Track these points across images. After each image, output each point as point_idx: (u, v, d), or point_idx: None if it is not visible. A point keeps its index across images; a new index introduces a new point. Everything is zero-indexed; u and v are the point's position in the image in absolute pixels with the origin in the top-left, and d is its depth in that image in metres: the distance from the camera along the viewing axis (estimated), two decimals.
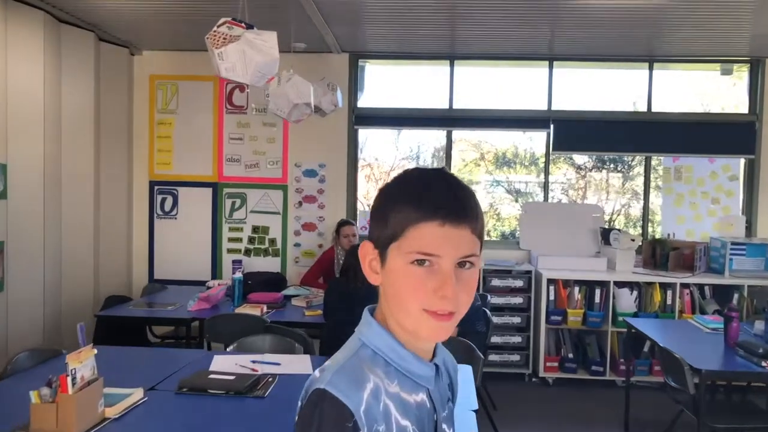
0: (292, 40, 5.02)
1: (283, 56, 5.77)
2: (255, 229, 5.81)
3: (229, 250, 5.82)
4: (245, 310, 4.02)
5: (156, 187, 5.83)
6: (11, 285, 4.06)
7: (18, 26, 4.11)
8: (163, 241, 5.83)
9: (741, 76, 5.94)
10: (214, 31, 2.80)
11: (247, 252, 5.81)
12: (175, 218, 5.84)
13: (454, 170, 6.44)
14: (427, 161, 6.64)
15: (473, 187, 6.86)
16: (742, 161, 5.81)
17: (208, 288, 4.73)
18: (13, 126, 4.06)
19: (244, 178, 5.80)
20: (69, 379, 1.95)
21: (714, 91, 6.31)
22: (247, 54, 2.71)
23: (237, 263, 4.89)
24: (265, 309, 4.12)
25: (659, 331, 4.01)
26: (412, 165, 6.72)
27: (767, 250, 5.38)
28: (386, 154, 6.87)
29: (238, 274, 4.39)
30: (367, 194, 6.72)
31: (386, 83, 6.39)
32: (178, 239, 5.82)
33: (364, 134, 6.27)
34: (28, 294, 4.24)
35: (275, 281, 4.81)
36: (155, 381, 2.62)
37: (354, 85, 5.87)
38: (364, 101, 6.04)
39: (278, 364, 2.90)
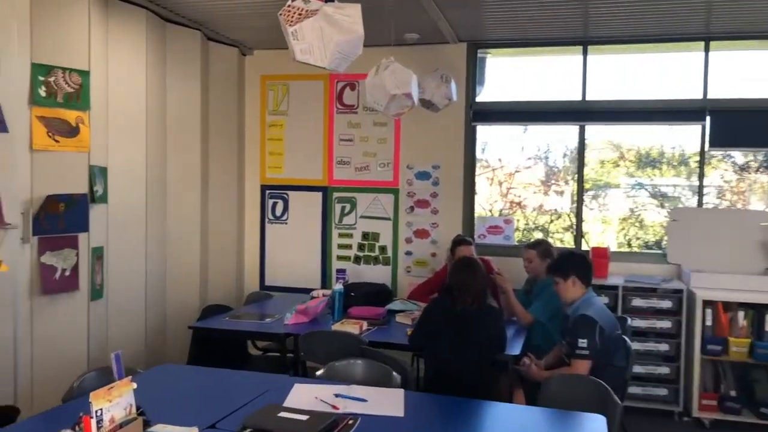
0: (397, 31, 4.59)
1: (394, 49, 5.37)
2: (365, 235, 5.44)
3: (339, 257, 5.50)
4: (344, 326, 3.62)
5: (267, 192, 5.65)
6: (112, 292, 3.97)
7: (120, 25, 4.01)
8: (274, 247, 5.63)
9: None
10: (288, 6, 2.41)
11: (357, 259, 5.45)
12: (286, 223, 5.61)
13: (589, 172, 5.69)
14: (558, 162, 5.93)
15: (611, 191, 6.09)
16: None
17: (312, 298, 4.41)
18: (114, 128, 3.97)
19: (354, 181, 5.45)
20: (93, 422, 1.61)
21: None
22: (326, 32, 2.31)
23: (340, 273, 4.55)
24: (365, 326, 3.70)
25: None
26: (539, 166, 6.05)
27: None
28: (511, 155, 6.24)
29: (339, 286, 4.02)
30: (490, 198, 6.14)
31: (509, 76, 5.77)
32: (289, 245, 5.59)
33: (486, 133, 5.70)
34: (129, 302, 4.13)
35: (380, 293, 4.38)
36: (220, 414, 2.26)
37: (472, 78, 5.33)
38: (484, 96, 5.48)
39: (364, 400, 2.45)
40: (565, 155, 5.84)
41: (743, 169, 5.58)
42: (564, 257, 3.50)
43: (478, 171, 5.59)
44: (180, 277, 4.66)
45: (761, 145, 4.98)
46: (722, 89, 4.90)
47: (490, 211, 6.02)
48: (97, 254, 3.76)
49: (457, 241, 4.39)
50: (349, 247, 5.47)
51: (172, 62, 4.59)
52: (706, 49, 4.87)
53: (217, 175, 5.14)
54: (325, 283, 5.42)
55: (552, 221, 5.93)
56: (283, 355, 3.64)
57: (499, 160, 6.42)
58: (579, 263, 3.41)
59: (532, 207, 5.98)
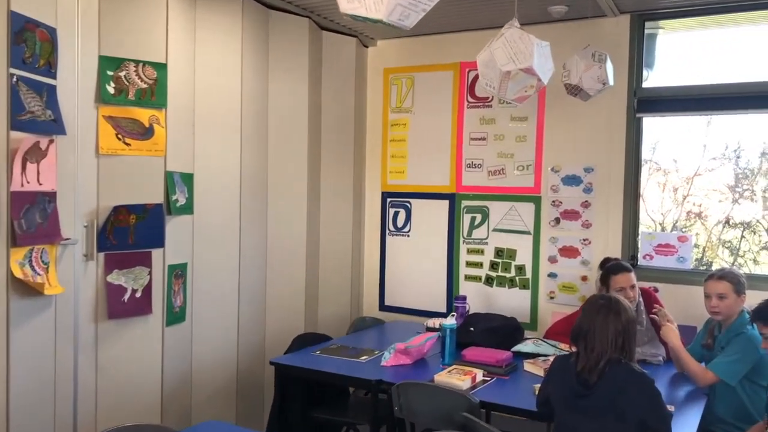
0: (540, 4, 3.71)
1: (536, 28, 4.49)
2: (498, 252, 4.58)
3: (468, 277, 4.69)
4: (450, 376, 2.84)
5: (389, 200, 5.00)
6: (197, 315, 3.53)
7: (208, 12, 3.55)
8: (395, 263, 4.96)
9: None
10: None
11: (489, 281, 4.61)
12: (408, 236, 4.92)
13: None
14: (752, 161, 4.63)
15: None
16: None
17: (428, 329, 3.69)
18: (202, 128, 3.52)
19: (487, 188, 4.61)
20: None
21: None
22: None
23: (460, 300, 3.75)
24: (479, 376, 2.89)
25: None
26: (726, 167, 4.79)
27: None
28: (689, 154, 5.03)
29: (452, 320, 3.24)
30: (661, 207, 4.98)
31: (685, 56, 4.58)
32: (411, 261, 4.89)
33: (657, 127, 4.57)
34: (217, 327, 3.66)
35: (508, 329, 3.51)
36: None
37: (637, 58, 4.25)
38: (652, 81, 4.37)
39: None
40: (763, 153, 4.52)
41: None
42: None
43: (645, 175, 4.50)
44: (283, 299, 4.14)
45: None
46: None
47: (661, 224, 4.87)
48: (177, 272, 3.33)
49: (611, 269, 3.40)
50: (479, 265, 4.64)
51: (275, 54, 4.08)
52: None
53: (330, 181, 4.58)
54: (451, 306, 4.64)
55: (743, 237, 4.65)
56: (374, 406, 2.93)
57: (674, 161, 5.22)
58: None
59: (717, 219, 4.74)
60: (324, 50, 4.52)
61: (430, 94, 4.80)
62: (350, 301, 4.76)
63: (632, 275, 3.34)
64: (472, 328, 3.46)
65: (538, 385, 2.69)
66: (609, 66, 3.58)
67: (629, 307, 2.44)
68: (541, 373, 2.96)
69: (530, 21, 4.30)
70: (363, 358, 3.21)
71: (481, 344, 3.31)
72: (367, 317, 4.23)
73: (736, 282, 2.99)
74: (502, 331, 3.44)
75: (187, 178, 3.41)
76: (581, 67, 3.51)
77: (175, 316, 3.32)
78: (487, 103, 4.60)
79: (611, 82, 3.60)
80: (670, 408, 2.54)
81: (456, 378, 2.78)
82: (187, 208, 3.40)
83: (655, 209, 4.96)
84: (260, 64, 3.99)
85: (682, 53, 4.60)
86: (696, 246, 4.75)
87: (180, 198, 3.32)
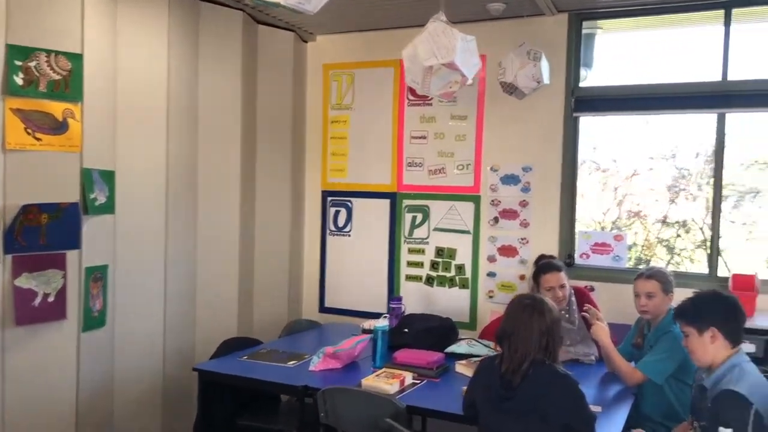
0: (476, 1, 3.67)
1: (474, 26, 4.45)
2: (439, 251, 4.53)
3: (409, 277, 4.63)
4: (377, 380, 2.76)
5: (329, 199, 4.89)
6: (120, 320, 3.36)
7: (131, 1, 3.39)
8: (336, 263, 4.87)
9: None
10: None
11: (429, 280, 4.56)
12: (349, 235, 4.83)
13: (730, 174, 4.43)
14: (689, 162, 4.69)
15: (760, 199, 4.74)
16: None
17: (363, 330, 3.60)
18: (124, 123, 3.36)
19: (427, 186, 4.56)
20: None
21: None
22: None
23: (395, 301, 3.68)
24: (408, 380, 2.82)
25: None
26: (665, 165, 4.85)
27: None
28: (629, 154, 5.08)
29: (383, 323, 3.16)
30: (601, 207, 5.01)
31: (624, 56, 4.61)
32: (352, 261, 4.80)
33: (597, 127, 4.59)
34: (141, 332, 3.50)
35: (443, 330, 3.45)
36: None
37: (575, 58, 4.26)
38: (591, 81, 4.39)
39: None
40: (698, 154, 4.58)
41: None
42: (701, 299, 2.38)
43: (586, 173, 4.51)
44: (214, 302, 3.99)
45: None
46: None
47: (601, 223, 4.90)
48: (96, 275, 3.16)
49: (542, 268, 3.38)
50: (420, 265, 4.59)
51: (206, 47, 3.93)
52: None
53: (267, 179, 4.45)
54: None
55: (678, 236, 4.72)
56: (301, 413, 2.83)
57: (614, 160, 5.27)
58: (724, 310, 2.30)
59: (655, 218, 4.80)
60: (260, 44, 4.39)
61: (371, 91, 4.72)
62: (288, 303, 4.64)
63: (562, 274, 3.32)
64: (406, 330, 3.39)
65: (465, 388, 2.65)
66: (544, 64, 3.56)
67: (554, 307, 2.40)
68: (471, 374, 2.90)
69: (469, 18, 4.27)
70: (291, 363, 3.10)
71: (415, 346, 3.24)
72: (303, 320, 4.11)
73: (665, 281, 2.99)
74: (436, 332, 3.38)
75: (108, 176, 3.24)
76: (516, 65, 3.48)
77: (93, 320, 3.15)
78: (427, 101, 4.55)
79: (546, 80, 3.59)
80: (596, 409, 2.52)
81: (383, 382, 2.71)
82: (108, 208, 3.23)
83: (596, 208, 5.00)
84: (189, 57, 3.83)
85: (620, 53, 4.64)
86: (635, 244, 4.80)
87: (99, 197, 3.15)
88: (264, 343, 3.48)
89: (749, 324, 3.42)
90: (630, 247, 4.71)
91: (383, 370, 2.91)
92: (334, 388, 2.65)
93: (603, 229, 4.66)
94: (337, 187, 4.84)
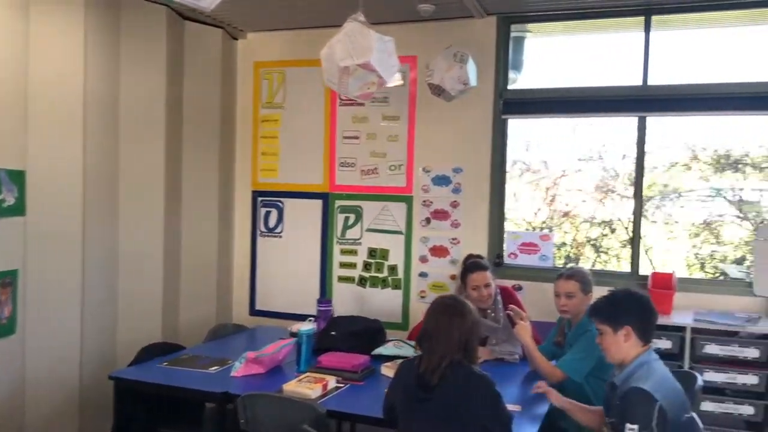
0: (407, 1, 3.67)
1: (404, 27, 4.46)
2: (372, 252, 4.52)
3: (341, 278, 4.60)
4: (300, 385, 2.72)
5: (260, 199, 4.81)
6: (31, 326, 3.21)
7: None
8: (267, 265, 4.79)
9: None
10: None
11: (362, 281, 4.54)
12: (281, 236, 4.76)
13: (650, 175, 4.58)
14: (616, 163, 4.82)
15: (681, 200, 4.93)
16: None
17: (291, 334, 3.54)
18: (35, 121, 3.20)
19: (360, 187, 4.54)
20: None
21: None
22: None
23: (323, 303, 3.64)
24: (331, 384, 2.79)
25: None
26: (593, 166, 4.97)
27: None
28: (559, 155, 5.19)
29: (308, 326, 3.12)
30: (533, 207, 5.10)
31: (552, 59, 4.70)
32: (283, 263, 4.74)
33: (530, 129, 4.68)
34: (55, 339, 3.36)
35: (371, 332, 3.43)
36: None
37: (503, 60, 4.32)
38: (521, 84, 4.46)
39: None
40: (624, 156, 4.72)
41: None
42: (617, 297, 2.43)
43: (517, 174, 4.58)
44: (137, 307, 3.86)
45: None
46: None
47: (531, 223, 5.00)
48: (5, 280, 3.00)
49: (469, 267, 3.41)
50: (352, 266, 4.56)
51: (127, 44, 3.81)
52: None
53: (193, 180, 4.34)
54: None
55: (605, 235, 4.85)
56: (221, 420, 2.77)
57: (544, 161, 5.38)
58: (638, 309, 2.37)
59: (583, 218, 4.92)
60: (186, 41, 4.27)
61: (303, 90, 4.67)
62: (217, 306, 4.54)
63: (488, 273, 3.36)
64: (333, 333, 3.36)
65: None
66: (471, 67, 3.59)
67: (474, 309, 2.42)
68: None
69: (400, 19, 4.28)
70: (213, 368, 3.02)
71: (342, 349, 3.22)
72: (229, 324, 4.03)
73: (584, 281, 3.07)
74: (364, 335, 3.36)
75: (17, 176, 3.08)
76: (443, 67, 3.50)
77: (2, 328, 2.99)
78: (359, 101, 4.52)
79: (473, 83, 3.62)
80: (515, 408, 2.55)
81: (305, 387, 2.67)
82: (17, 209, 3.08)
83: (527, 209, 5.09)
84: (109, 54, 3.69)
85: (549, 57, 4.73)
86: (564, 244, 4.91)
87: (7, 197, 2.99)
88: (187, 349, 3.39)
89: (667, 321, 3.58)
90: (560, 247, 4.82)
91: (306, 374, 2.88)
92: (255, 394, 2.59)
93: (535, 229, 4.76)
94: (268, 188, 4.77)
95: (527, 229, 4.75)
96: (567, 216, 4.97)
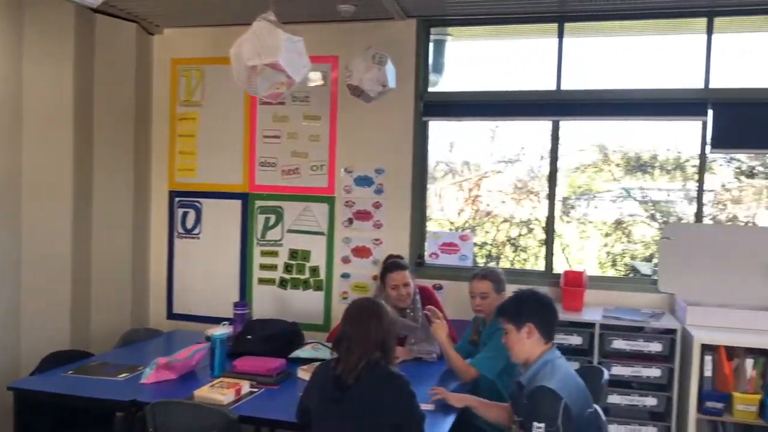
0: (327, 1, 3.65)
1: (325, 27, 4.44)
2: (293, 253, 4.48)
3: (261, 280, 4.53)
4: (212, 390, 2.66)
5: (177, 199, 4.68)
6: None
7: None
8: (185, 267, 4.66)
9: None
10: None
11: (283, 283, 4.49)
12: (199, 237, 4.64)
13: (565, 177, 4.75)
14: (533, 164, 4.97)
15: (593, 201, 5.13)
16: None
17: (208, 338, 3.45)
18: None
19: (281, 187, 4.49)
20: None
21: None
22: None
23: (240, 306, 3.57)
24: (245, 388, 2.74)
25: None
26: (512, 167, 5.10)
27: None
28: (480, 157, 5.30)
29: (221, 330, 3.06)
30: (456, 207, 5.19)
31: (473, 63, 4.79)
32: (203, 264, 4.62)
33: (453, 131, 4.75)
34: None
35: (288, 336, 3.40)
36: None
37: (423, 63, 4.36)
38: (442, 87, 4.52)
39: None
40: (542, 157, 4.88)
41: (749, 175, 4.64)
42: (520, 297, 2.52)
43: (441, 175, 4.64)
44: (43, 314, 3.68)
45: None
46: (727, 78, 3.95)
47: (454, 223, 5.08)
48: None
49: (388, 267, 3.43)
50: (273, 267, 4.50)
51: (31, 37, 3.63)
52: (710, 27, 3.92)
53: (105, 180, 4.17)
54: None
55: (521, 235, 4.99)
56: (129, 429, 2.67)
57: (466, 162, 5.49)
58: (540, 307, 2.45)
59: (504, 218, 5.05)
60: (97, 35, 4.10)
61: (222, 88, 4.57)
62: (132, 310, 4.38)
63: (407, 273, 3.39)
64: (249, 336, 3.30)
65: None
66: (389, 68, 3.61)
67: (390, 309, 2.45)
68: None
69: (320, 19, 4.25)
70: (122, 376, 2.91)
71: (259, 352, 3.17)
72: (141, 328, 3.89)
73: (497, 280, 3.14)
74: (281, 338, 3.31)
75: None
76: (361, 68, 3.50)
77: None
78: (280, 100, 4.46)
79: (391, 84, 3.63)
80: (429, 407, 2.58)
81: (217, 392, 2.61)
82: None
83: (451, 209, 5.17)
84: (10, 48, 3.50)
85: (469, 60, 4.82)
86: (486, 243, 5.01)
87: None
88: (95, 356, 3.25)
89: (577, 318, 3.71)
90: (481, 246, 4.93)
91: (219, 379, 2.81)
92: (164, 402, 2.51)
93: (458, 229, 4.83)
94: (186, 187, 4.64)
95: (451, 230, 4.82)
96: (489, 216, 5.08)
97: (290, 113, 4.46)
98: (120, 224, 4.29)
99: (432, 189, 4.77)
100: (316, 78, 4.33)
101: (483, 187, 5.23)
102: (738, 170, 4.60)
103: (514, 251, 5.03)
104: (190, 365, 2.95)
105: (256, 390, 2.77)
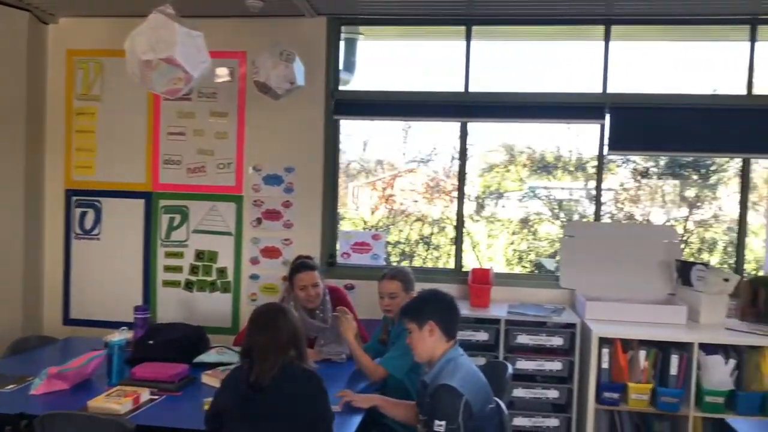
0: None
1: (233, 22, 4.32)
2: (199, 254, 4.33)
3: (166, 283, 4.36)
4: (108, 400, 2.52)
5: (74, 198, 4.42)
6: None
7: None
8: (84, 270, 4.42)
9: None
10: None
11: (189, 285, 4.34)
12: (99, 239, 4.41)
13: (476, 176, 4.87)
14: (445, 164, 5.05)
15: (501, 200, 5.27)
16: None
17: (106, 344, 3.27)
18: None
19: (186, 186, 4.34)
20: None
21: None
22: None
23: (140, 311, 3.42)
24: (144, 396, 2.62)
25: None
26: (425, 168, 5.17)
27: None
28: (394, 156, 5.34)
29: (119, 336, 2.91)
30: (375, 208, 5.20)
31: (387, 63, 4.81)
32: (103, 267, 4.39)
33: (367, 130, 4.76)
34: None
35: (192, 340, 3.28)
36: None
37: (334, 61, 4.33)
38: (354, 86, 4.51)
39: None
40: (453, 158, 4.96)
41: (643, 175, 4.91)
42: (422, 297, 2.57)
43: (354, 173, 4.63)
44: None
45: (669, 149, 4.26)
46: (625, 83, 4.15)
47: (366, 222, 5.09)
48: None
49: (296, 267, 3.38)
50: (178, 269, 4.34)
51: None
52: (607, 35, 4.10)
53: None
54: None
55: (433, 233, 5.07)
56: None
57: (380, 161, 5.51)
58: (441, 306, 2.49)
59: (416, 217, 5.10)
60: None
61: (122, 83, 4.29)
62: (23, 317, 4.11)
63: (316, 273, 3.35)
64: (151, 342, 3.16)
65: (210, 399, 2.53)
66: (298, 66, 3.56)
67: (293, 311, 2.44)
68: (219, 384, 2.79)
69: (228, 13, 4.14)
70: (9, 387, 2.71)
71: (162, 358, 3.03)
72: (32, 336, 3.64)
73: (406, 280, 3.15)
74: (184, 342, 3.19)
75: None
76: (268, 65, 3.44)
77: None
78: (185, 96, 4.30)
79: (300, 82, 3.59)
80: (336, 409, 2.56)
81: (113, 402, 2.48)
82: None
83: (365, 208, 5.18)
84: None
85: (381, 60, 4.83)
86: (399, 242, 5.05)
87: None
88: None
89: (484, 314, 3.79)
90: (395, 245, 4.96)
91: (117, 388, 2.67)
92: (54, 413, 2.36)
93: (372, 228, 4.84)
94: (84, 186, 4.40)
95: (365, 229, 4.82)
96: (403, 215, 5.13)
97: (196, 109, 4.32)
98: (9, 224, 4.02)
99: (348, 188, 4.75)
100: (222, 74, 4.22)
101: (396, 186, 5.27)
102: (634, 171, 4.86)
103: (427, 250, 5.09)
104: (85, 374, 2.79)
105: (156, 397, 2.65)
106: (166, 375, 2.77)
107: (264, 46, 3.72)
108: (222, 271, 4.31)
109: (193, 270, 4.32)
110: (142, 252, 4.35)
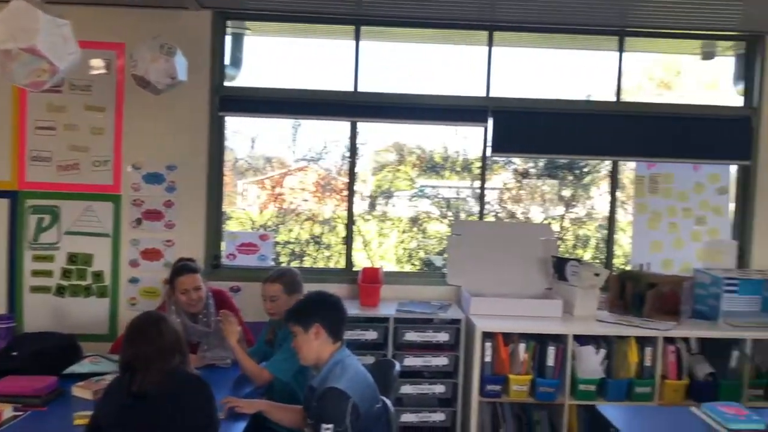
0: None
1: (107, 11, 4.02)
2: (72, 258, 4.06)
3: (35, 288, 4.04)
4: None
5: None
6: None
7: None
8: None
9: (725, 60, 4.60)
10: None
11: (60, 291, 4.05)
12: None
13: (363, 175, 4.88)
14: (336, 162, 5.02)
15: (392, 200, 5.33)
16: (734, 169, 4.46)
17: None
18: None
19: (57, 184, 4.04)
20: None
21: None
22: None
23: (4, 320, 3.16)
24: (6, 413, 2.41)
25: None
26: (315, 166, 5.12)
27: (764, 287, 4.02)
28: (282, 154, 5.25)
29: None
30: (265, 207, 5.06)
31: (276, 60, 4.72)
32: None
33: (255, 127, 4.63)
34: None
35: (61, 350, 3.06)
36: None
37: (219, 56, 4.20)
38: (241, 82, 4.38)
39: None
40: (344, 156, 4.94)
41: (524, 175, 5.14)
42: (307, 299, 2.55)
43: (242, 173, 4.50)
44: None
45: (544, 151, 4.49)
46: (506, 88, 4.32)
47: (254, 222, 4.97)
48: None
49: (177, 270, 3.24)
50: (48, 274, 4.04)
51: None
52: (490, 40, 4.26)
53: None
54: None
55: (323, 233, 5.04)
56: None
57: (268, 159, 5.40)
58: (326, 308, 2.47)
59: (307, 216, 5.04)
60: None
61: None
62: None
63: (198, 276, 3.23)
64: (15, 353, 2.92)
65: (83, 413, 2.38)
66: (180, 60, 3.42)
67: (171, 317, 2.36)
68: (91, 396, 2.62)
69: (106, 2, 3.90)
70: None
71: (26, 371, 2.81)
72: None
73: (288, 282, 3.10)
74: (53, 352, 2.97)
75: None
76: (147, 58, 3.27)
77: None
78: (56, 88, 4.01)
79: (181, 77, 3.44)
80: (220, 416, 2.48)
81: None
82: None
83: (253, 207, 5.05)
84: None
85: (269, 56, 4.74)
86: (289, 242, 4.96)
87: None
88: None
89: (373, 313, 3.82)
90: (284, 245, 4.87)
91: None
92: None
93: (261, 227, 4.72)
94: None
95: (254, 228, 4.71)
96: (293, 214, 5.05)
97: (68, 103, 4.03)
98: None
99: (236, 186, 4.62)
100: (98, 65, 3.97)
101: (286, 184, 5.19)
102: (515, 171, 5.08)
103: (318, 249, 5.05)
104: None
105: (20, 414, 2.45)
106: (30, 389, 2.57)
107: (144, 38, 3.54)
108: (98, 275, 4.06)
109: (66, 274, 4.04)
110: (6, 256, 4.01)
